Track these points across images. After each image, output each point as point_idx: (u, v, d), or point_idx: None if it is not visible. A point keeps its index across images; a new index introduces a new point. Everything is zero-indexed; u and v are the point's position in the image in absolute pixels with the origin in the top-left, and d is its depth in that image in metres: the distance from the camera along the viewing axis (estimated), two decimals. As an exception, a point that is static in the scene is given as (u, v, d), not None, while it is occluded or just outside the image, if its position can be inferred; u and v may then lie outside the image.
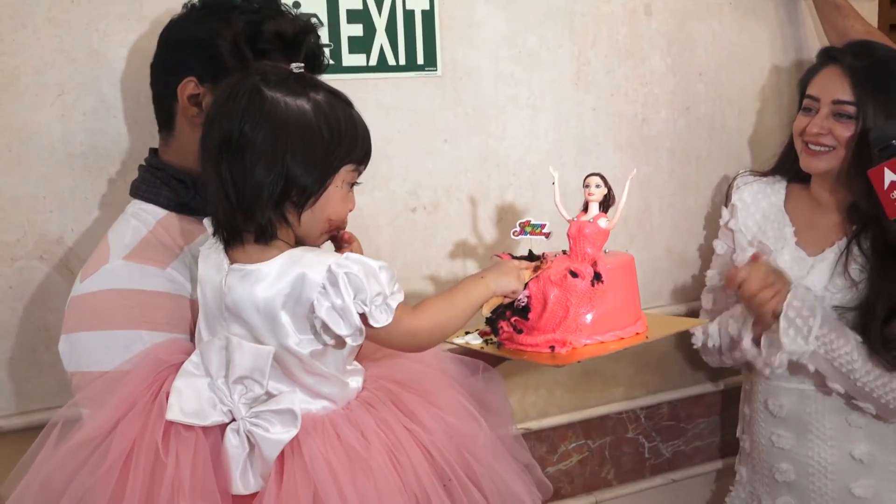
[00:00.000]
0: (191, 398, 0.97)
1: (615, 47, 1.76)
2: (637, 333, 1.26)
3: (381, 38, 1.55)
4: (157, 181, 1.15)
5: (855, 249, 1.58)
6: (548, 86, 1.71)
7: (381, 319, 0.96)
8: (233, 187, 0.95)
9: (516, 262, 1.20)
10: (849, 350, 1.51)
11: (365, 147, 1.02)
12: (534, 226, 1.27)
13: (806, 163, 1.65)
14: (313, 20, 1.16)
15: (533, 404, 1.79)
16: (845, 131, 1.57)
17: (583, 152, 1.76)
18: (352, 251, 1.03)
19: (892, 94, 1.56)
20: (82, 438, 0.96)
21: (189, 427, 0.96)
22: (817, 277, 1.60)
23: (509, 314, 1.22)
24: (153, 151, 1.20)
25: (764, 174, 1.79)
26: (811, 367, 1.55)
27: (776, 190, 1.74)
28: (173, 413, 0.95)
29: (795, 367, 1.57)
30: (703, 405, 1.97)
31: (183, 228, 1.12)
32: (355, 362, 1.07)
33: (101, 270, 1.07)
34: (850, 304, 1.56)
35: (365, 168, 1.03)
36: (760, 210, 1.73)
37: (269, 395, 0.98)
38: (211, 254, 1.02)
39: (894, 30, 2.11)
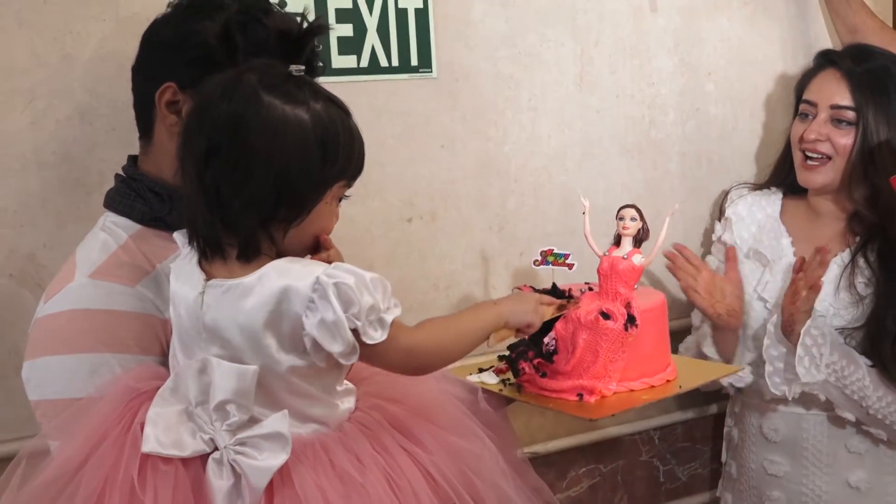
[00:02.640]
0: (168, 428, 0.94)
1: (619, 46, 1.77)
2: (668, 381, 1.24)
3: (372, 39, 1.55)
4: (131, 193, 1.13)
5: (861, 262, 1.59)
6: (549, 87, 1.71)
7: (374, 336, 0.93)
8: (217, 198, 0.93)
9: (537, 295, 1.16)
10: (860, 376, 1.52)
11: (360, 163, 1.00)
12: (557, 255, 1.25)
13: (803, 178, 1.66)
14: (319, 20, 1.13)
15: (540, 427, 1.78)
16: (843, 138, 1.59)
17: (587, 157, 1.77)
18: (329, 257, 1.01)
19: (892, 99, 1.58)
20: (49, 477, 0.92)
21: (167, 459, 0.93)
22: (822, 293, 1.58)
23: (532, 354, 1.20)
24: (132, 160, 1.18)
25: (759, 186, 1.80)
26: (822, 397, 1.55)
27: (772, 202, 1.76)
28: (149, 445, 0.92)
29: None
30: (720, 425, 1.94)
31: (156, 245, 1.10)
32: (346, 381, 1.05)
33: (65, 289, 1.05)
34: (857, 323, 1.56)
35: (354, 182, 1.01)
36: (756, 222, 1.74)
37: (254, 421, 0.95)
38: (184, 268, 0.99)
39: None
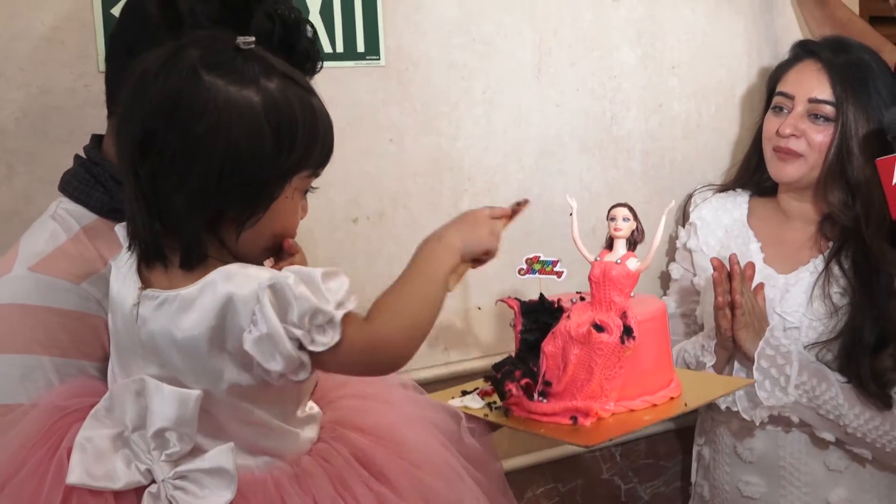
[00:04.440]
0: (99, 456, 0.88)
1: (580, 36, 1.76)
2: (671, 398, 1.20)
3: (314, 22, 1.50)
4: (90, 178, 1.08)
5: (835, 269, 1.58)
6: (506, 78, 1.69)
7: (323, 340, 0.84)
8: (155, 197, 0.86)
9: (487, 210, 1.03)
10: (833, 395, 1.51)
11: (326, 148, 0.93)
12: (544, 262, 1.21)
13: (775, 169, 1.64)
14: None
15: (495, 443, 1.73)
16: (820, 135, 1.58)
17: (545, 154, 1.75)
18: (294, 263, 0.94)
19: (871, 95, 1.58)
20: None
21: (97, 492, 0.87)
22: (794, 302, 1.59)
23: (519, 374, 1.14)
24: (95, 140, 1.13)
25: (723, 188, 1.79)
26: (794, 419, 1.54)
27: (738, 204, 1.74)
28: (76, 475, 0.86)
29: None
30: (684, 440, 1.95)
31: (112, 240, 1.04)
32: (312, 404, 0.99)
33: (1, 280, 1.01)
34: (833, 335, 1.55)
35: (322, 171, 0.94)
36: (722, 226, 1.72)
37: (198, 450, 0.89)
38: (122, 269, 0.93)
39: (875, 22, 2.17)
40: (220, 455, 0.88)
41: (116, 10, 1.35)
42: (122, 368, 0.93)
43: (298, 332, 0.84)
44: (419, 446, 1.00)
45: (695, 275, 1.73)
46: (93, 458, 0.88)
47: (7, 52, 1.30)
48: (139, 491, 0.89)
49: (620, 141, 1.83)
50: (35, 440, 0.90)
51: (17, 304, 0.99)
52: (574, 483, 1.84)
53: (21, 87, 1.31)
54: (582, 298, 1.22)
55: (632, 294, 1.19)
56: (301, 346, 0.85)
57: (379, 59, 1.57)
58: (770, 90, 1.70)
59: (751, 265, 1.55)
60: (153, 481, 0.89)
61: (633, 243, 1.19)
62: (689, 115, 1.90)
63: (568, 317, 1.15)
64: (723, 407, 1.58)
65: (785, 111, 1.63)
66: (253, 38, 0.90)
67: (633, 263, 1.17)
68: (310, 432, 0.98)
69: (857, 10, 2.12)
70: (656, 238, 1.18)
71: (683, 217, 1.82)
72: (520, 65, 1.70)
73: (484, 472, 1.04)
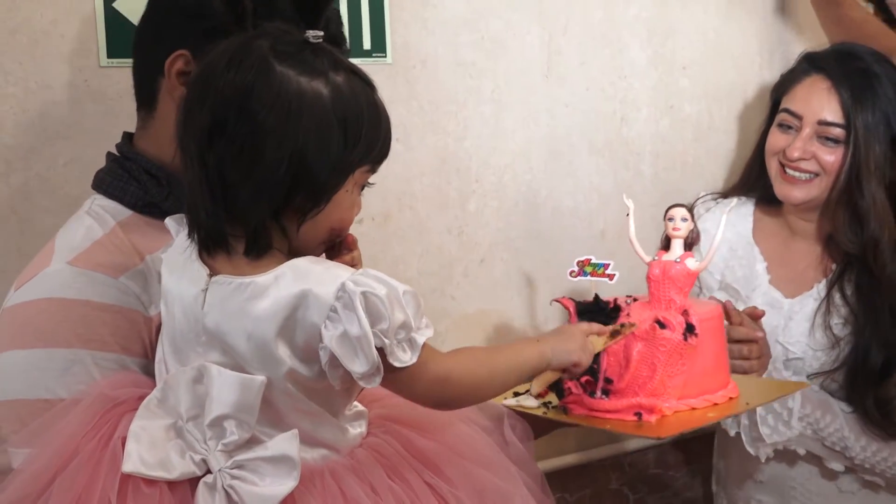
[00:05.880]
0: (153, 445, 0.89)
1: (590, 34, 1.77)
2: (730, 398, 1.21)
3: (320, 17, 1.52)
4: (124, 174, 1.09)
5: (836, 297, 1.55)
6: (515, 77, 1.69)
7: (403, 358, 0.88)
8: (221, 184, 0.88)
9: (585, 325, 1.12)
10: (838, 426, 1.50)
11: (386, 144, 0.96)
12: (595, 265, 1.22)
13: (782, 191, 1.60)
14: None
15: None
16: (831, 156, 1.54)
17: (554, 155, 1.76)
18: (353, 260, 0.97)
19: (883, 109, 1.55)
20: (10, 498, 0.88)
21: (151, 482, 0.88)
22: (797, 331, 1.57)
23: None
24: (127, 137, 1.14)
25: (725, 195, 1.75)
26: (801, 451, 1.53)
27: (742, 215, 1.69)
28: (131, 464, 0.87)
29: None
30: (694, 450, 1.96)
31: (148, 234, 1.06)
32: (356, 403, 1.01)
33: (39, 276, 1.01)
34: (836, 364, 1.54)
35: (379, 167, 0.97)
36: (727, 242, 1.67)
37: (254, 442, 0.90)
38: (180, 261, 0.95)
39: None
40: (283, 442, 0.89)
41: (119, 4, 1.37)
42: (178, 359, 0.93)
43: (385, 342, 0.86)
44: (469, 440, 1.02)
45: (700, 291, 1.70)
46: (147, 447, 0.89)
47: (5, 46, 1.31)
48: (193, 482, 0.90)
49: (630, 142, 1.83)
50: (86, 430, 0.91)
51: (57, 299, 0.99)
52: (582, 493, 1.84)
53: (19, 82, 1.32)
54: (634, 299, 1.23)
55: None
56: (381, 357, 0.87)
57: (385, 56, 1.57)
58: (774, 102, 1.67)
59: (761, 312, 1.52)
60: (208, 471, 0.89)
61: (688, 244, 1.22)
62: (701, 116, 1.91)
63: (627, 314, 1.17)
64: (731, 433, 1.57)
65: (792, 130, 1.58)
66: (322, 33, 0.93)
67: (692, 263, 1.19)
68: (358, 428, 0.99)
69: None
70: (716, 238, 1.20)
71: None
72: (529, 63, 1.71)
73: (526, 472, 1.06)
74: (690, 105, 1.90)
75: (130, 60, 1.37)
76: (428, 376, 0.91)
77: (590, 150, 1.79)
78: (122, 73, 1.37)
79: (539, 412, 1.19)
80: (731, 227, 1.68)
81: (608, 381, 1.16)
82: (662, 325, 1.15)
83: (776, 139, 1.61)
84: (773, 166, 1.62)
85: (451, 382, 0.93)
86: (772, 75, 1.97)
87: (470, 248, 1.69)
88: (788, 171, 1.58)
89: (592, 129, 1.79)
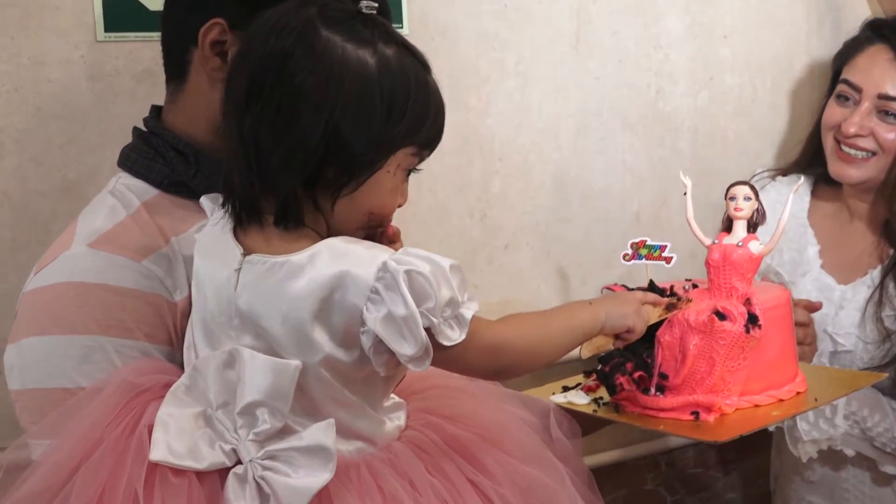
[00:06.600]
0: (181, 433, 0.89)
1: (622, 2, 1.75)
2: (798, 393, 1.18)
3: (330, -14, 1.48)
4: (150, 150, 1.09)
5: (890, 287, 1.53)
6: (541, 49, 1.67)
7: (452, 336, 0.88)
8: (255, 148, 0.88)
9: (640, 294, 1.10)
10: (888, 426, 1.47)
11: (436, 128, 0.95)
12: (650, 247, 1.19)
13: (837, 170, 1.59)
14: None
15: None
16: (890, 133, 1.52)
17: (584, 132, 1.74)
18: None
19: None
20: (34, 487, 0.88)
21: (180, 471, 0.88)
22: (847, 321, 1.54)
23: (631, 367, 1.13)
24: (154, 111, 1.14)
25: (783, 172, 1.74)
26: (849, 452, 1.49)
27: (798, 195, 1.68)
28: (159, 452, 0.87)
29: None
30: (736, 448, 1.92)
31: (174, 215, 1.06)
32: (393, 395, 1.00)
33: (59, 258, 1.01)
34: (888, 359, 1.51)
35: (429, 154, 0.96)
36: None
37: (287, 431, 0.90)
38: (212, 241, 0.95)
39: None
40: (319, 432, 0.88)
41: (116, -25, 1.35)
42: (209, 343, 0.93)
43: (434, 321, 0.86)
44: (514, 436, 1.01)
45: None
46: (175, 435, 0.89)
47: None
48: (223, 472, 0.89)
49: (667, 118, 1.80)
50: (111, 417, 0.91)
51: (75, 283, 0.99)
52: (616, 494, 1.83)
53: (11, 58, 1.30)
54: (694, 285, 1.20)
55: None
56: (429, 336, 0.87)
57: (402, 27, 1.55)
58: (834, 72, 1.65)
59: (819, 305, 1.49)
60: (238, 462, 0.89)
61: (753, 225, 1.18)
62: (743, 89, 1.87)
63: (691, 303, 1.14)
64: (771, 428, 1.56)
65: (850, 102, 1.57)
66: (376, 4, 0.93)
67: (755, 246, 1.15)
68: (397, 421, 0.99)
69: None
70: (782, 219, 1.16)
71: None
72: (556, 34, 1.68)
73: (573, 469, 1.05)
74: (732, 77, 1.86)
75: (129, 35, 1.38)
76: (480, 347, 0.91)
77: (622, 127, 1.77)
78: (120, 48, 1.38)
79: (589, 410, 1.17)
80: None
81: (663, 376, 1.13)
82: (722, 317, 1.11)
83: (833, 112, 1.59)
84: (828, 142, 1.60)
85: (505, 349, 0.94)
86: (820, 44, 1.94)
87: (493, 232, 1.67)
88: (844, 148, 1.56)
89: (625, 103, 1.77)
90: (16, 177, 1.32)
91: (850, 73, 1.58)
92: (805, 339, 1.39)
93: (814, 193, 1.69)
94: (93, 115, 1.35)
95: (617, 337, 1.05)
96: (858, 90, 1.55)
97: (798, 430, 1.45)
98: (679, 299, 1.13)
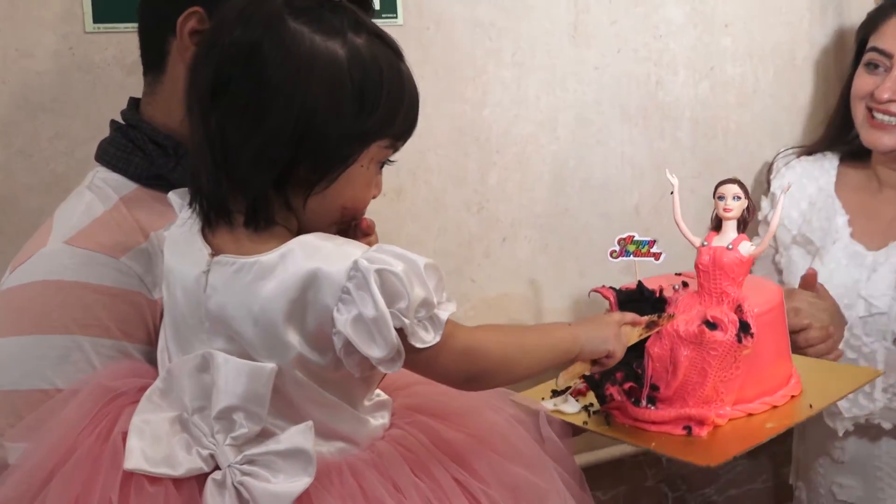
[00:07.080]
0: (156, 439, 0.88)
1: (622, -10, 1.75)
2: (792, 397, 1.16)
3: (323, -25, 1.48)
4: (129, 144, 1.09)
5: None
6: (539, 39, 1.67)
7: (425, 338, 0.86)
8: (222, 145, 0.86)
9: (618, 315, 1.08)
10: None
11: (409, 118, 0.93)
12: (638, 243, 1.19)
13: (870, 137, 1.59)
14: None
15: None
16: None
17: (582, 123, 1.73)
18: (371, 244, 0.93)
19: None
20: (4, 498, 0.87)
21: (156, 479, 0.87)
22: (882, 284, 1.54)
23: (621, 376, 1.11)
24: (133, 103, 1.13)
25: (809, 150, 1.75)
26: (886, 425, 1.48)
27: (825, 170, 1.70)
28: (134, 460, 0.86)
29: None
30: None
31: (153, 210, 1.05)
32: (379, 391, 0.99)
33: (36, 256, 1.01)
34: None
35: (403, 145, 0.94)
36: (807, 197, 1.68)
37: (265, 434, 0.89)
38: (182, 239, 0.93)
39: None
40: (298, 435, 0.87)
41: (105, -36, 1.35)
42: (181, 346, 0.92)
43: (405, 322, 0.84)
44: (502, 433, 1.00)
45: (777, 251, 1.70)
46: (150, 442, 0.88)
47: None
48: (200, 478, 0.88)
49: (667, 108, 1.80)
50: (84, 424, 0.90)
51: (53, 281, 0.98)
52: (616, 491, 1.83)
53: None
54: (685, 283, 1.18)
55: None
56: (401, 338, 0.86)
57: (396, 17, 1.55)
58: (861, 42, 1.64)
59: (813, 271, 1.50)
60: (216, 467, 0.88)
61: (743, 223, 1.15)
62: (745, 78, 1.87)
63: (674, 307, 1.13)
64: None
65: (881, 69, 1.57)
66: None
67: (746, 248, 1.13)
68: (381, 419, 0.98)
69: None
70: (775, 218, 1.15)
71: (767, 185, 1.78)
72: (554, 23, 1.68)
73: (563, 468, 1.03)
74: (733, 66, 1.86)
75: (118, 25, 1.38)
76: (454, 350, 0.89)
77: (622, 118, 1.76)
78: (109, 40, 1.37)
79: (579, 421, 1.15)
80: (814, 181, 1.69)
81: (654, 388, 1.11)
82: (713, 326, 1.09)
83: (863, 81, 1.59)
84: (859, 112, 1.61)
85: (479, 354, 0.91)
86: (823, 33, 1.93)
87: (491, 225, 1.67)
88: (877, 115, 1.57)
89: (625, 94, 1.76)
90: (3, 170, 1.32)
91: (880, 41, 1.58)
92: (814, 340, 1.37)
93: (840, 168, 1.69)
94: (82, 107, 1.34)
95: (595, 363, 1.03)
96: (889, 56, 1.56)
97: (836, 406, 1.43)
98: (659, 316, 1.10)
